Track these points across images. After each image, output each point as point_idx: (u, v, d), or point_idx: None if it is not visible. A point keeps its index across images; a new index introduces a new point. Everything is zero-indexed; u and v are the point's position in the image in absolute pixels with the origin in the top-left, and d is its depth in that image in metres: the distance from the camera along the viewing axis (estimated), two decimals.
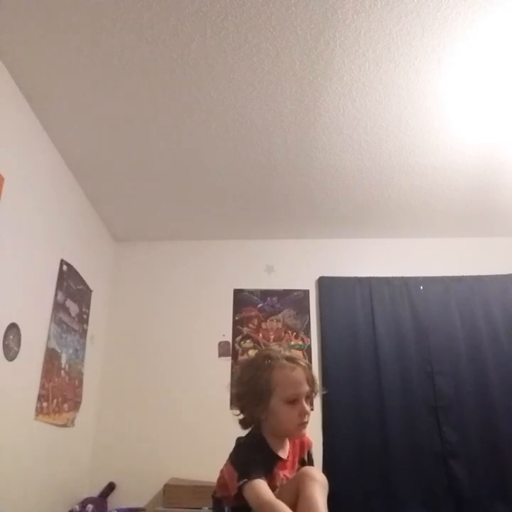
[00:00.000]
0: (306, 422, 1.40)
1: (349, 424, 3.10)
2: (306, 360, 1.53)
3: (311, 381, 1.45)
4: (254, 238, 3.70)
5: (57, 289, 2.67)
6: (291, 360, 1.43)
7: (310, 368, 1.48)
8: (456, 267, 3.48)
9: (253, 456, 1.33)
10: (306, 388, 1.41)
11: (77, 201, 3.01)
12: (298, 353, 1.50)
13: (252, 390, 1.41)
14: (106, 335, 3.45)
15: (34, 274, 2.45)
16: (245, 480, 1.26)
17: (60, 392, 2.68)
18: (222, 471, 1.41)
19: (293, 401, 1.38)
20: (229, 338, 3.42)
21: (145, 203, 3.24)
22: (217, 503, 1.42)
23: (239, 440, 1.43)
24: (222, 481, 1.40)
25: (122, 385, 3.32)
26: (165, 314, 3.52)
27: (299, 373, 1.42)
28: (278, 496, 1.25)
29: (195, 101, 2.33)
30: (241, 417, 1.47)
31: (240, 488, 1.27)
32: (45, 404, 2.49)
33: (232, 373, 3.29)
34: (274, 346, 1.54)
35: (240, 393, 1.47)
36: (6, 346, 2.14)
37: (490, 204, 3.19)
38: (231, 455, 1.39)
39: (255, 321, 3.47)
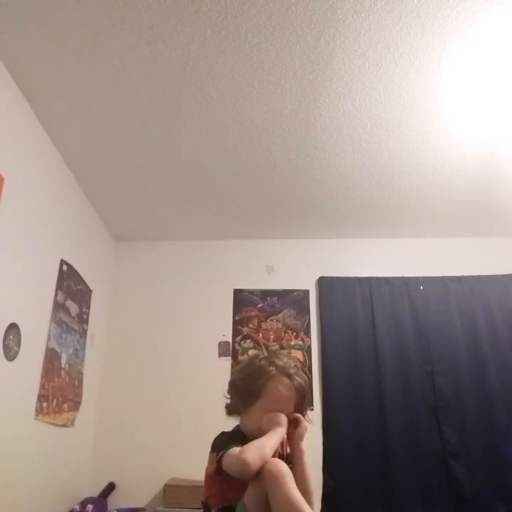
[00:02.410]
0: None
1: (349, 424, 3.10)
2: (306, 379, 1.53)
3: (299, 405, 1.48)
4: (254, 238, 3.70)
5: (57, 289, 2.67)
6: (291, 379, 1.46)
7: (305, 395, 1.51)
8: (456, 267, 3.48)
9: (233, 439, 1.36)
10: (289, 411, 1.45)
11: (77, 201, 3.01)
12: (303, 376, 1.52)
13: (246, 385, 1.48)
14: (106, 335, 3.45)
15: (34, 274, 2.45)
16: (223, 451, 1.30)
17: (60, 392, 2.68)
18: (206, 469, 1.44)
19: None
20: (229, 338, 3.42)
21: (145, 203, 3.24)
22: (205, 507, 1.43)
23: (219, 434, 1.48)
24: (207, 476, 1.43)
25: (122, 385, 3.32)
26: (165, 314, 3.52)
27: (290, 394, 1.46)
28: (247, 502, 1.25)
29: (195, 101, 2.33)
30: (228, 402, 1.56)
31: (219, 462, 1.30)
32: (45, 404, 2.49)
33: (232, 373, 3.30)
34: (285, 358, 1.55)
35: (235, 382, 1.55)
36: (6, 346, 2.14)
37: (490, 204, 3.19)
38: (212, 445, 1.43)
39: (255, 321, 3.47)
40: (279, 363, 1.49)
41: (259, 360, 1.53)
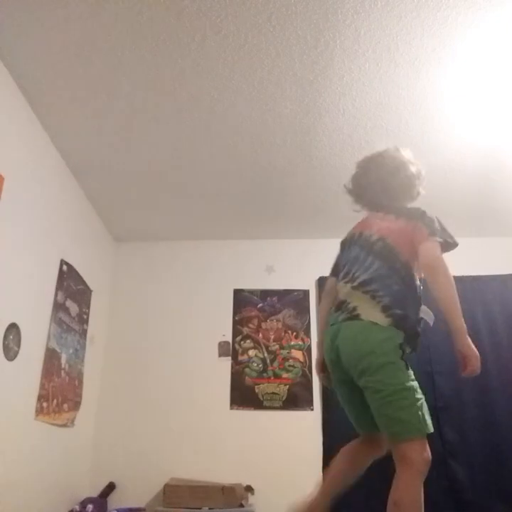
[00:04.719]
0: None
1: (349, 424, 3.08)
2: None
3: None
4: (254, 238, 3.70)
5: (57, 289, 2.68)
6: None
7: None
8: (456, 267, 3.47)
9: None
10: None
11: (77, 201, 3.01)
12: None
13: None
14: (106, 335, 3.45)
15: (34, 274, 2.45)
16: (441, 240, 1.69)
17: (60, 392, 2.68)
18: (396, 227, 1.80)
19: None
20: (229, 338, 3.42)
21: (145, 203, 3.24)
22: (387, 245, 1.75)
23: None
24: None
25: (122, 385, 3.32)
26: (165, 314, 3.52)
27: None
28: None
29: (195, 101, 2.33)
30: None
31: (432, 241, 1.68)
32: (45, 404, 2.49)
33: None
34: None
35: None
36: (6, 346, 2.14)
37: (490, 204, 3.19)
38: (413, 214, 1.82)
39: (255, 321, 3.47)
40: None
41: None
